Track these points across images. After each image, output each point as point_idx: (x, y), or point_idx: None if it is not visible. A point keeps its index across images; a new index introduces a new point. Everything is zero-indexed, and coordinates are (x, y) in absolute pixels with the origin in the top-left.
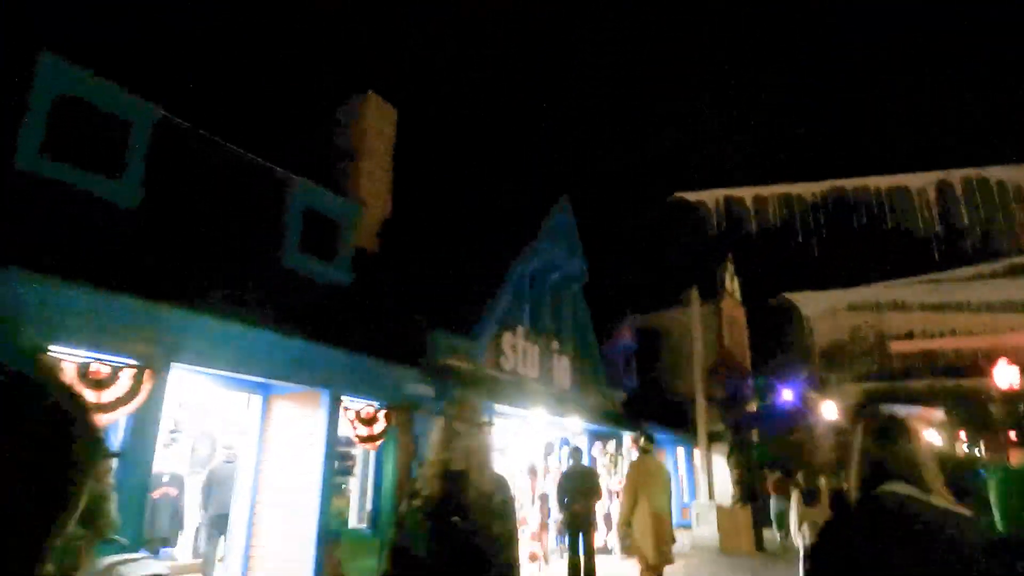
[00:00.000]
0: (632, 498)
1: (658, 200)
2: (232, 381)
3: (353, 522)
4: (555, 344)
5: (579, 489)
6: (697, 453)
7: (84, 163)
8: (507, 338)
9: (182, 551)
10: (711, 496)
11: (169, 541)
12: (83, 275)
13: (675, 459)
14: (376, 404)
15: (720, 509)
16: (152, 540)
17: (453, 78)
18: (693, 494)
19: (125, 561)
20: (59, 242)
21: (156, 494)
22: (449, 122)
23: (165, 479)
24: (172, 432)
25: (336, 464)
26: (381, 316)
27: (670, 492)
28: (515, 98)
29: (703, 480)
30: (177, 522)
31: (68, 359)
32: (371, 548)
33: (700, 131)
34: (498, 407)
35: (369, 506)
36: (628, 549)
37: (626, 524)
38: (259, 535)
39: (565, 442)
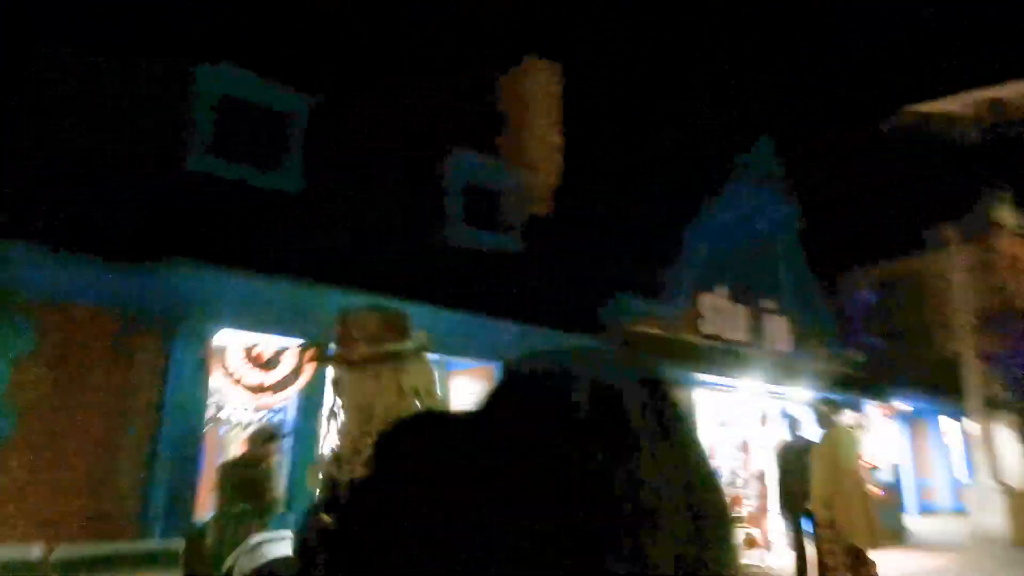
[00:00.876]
0: (831, 475)
1: (881, 121)
2: None
3: None
4: (767, 303)
5: (796, 466)
6: (969, 424)
7: (247, 158)
8: (706, 299)
9: None
10: (995, 476)
11: None
12: (247, 263)
13: (937, 430)
14: None
15: (1011, 492)
16: None
17: (622, 27)
18: (971, 473)
19: (274, 539)
20: (227, 233)
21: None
22: (620, 74)
23: None
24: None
25: None
26: (555, 284)
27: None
28: (692, 30)
29: (983, 457)
30: None
31: (234, 343)
32: None
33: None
34: (700, 377)
35: None
36: (827, 535)
37: (826, 507)
38: None
39: (786, 414)
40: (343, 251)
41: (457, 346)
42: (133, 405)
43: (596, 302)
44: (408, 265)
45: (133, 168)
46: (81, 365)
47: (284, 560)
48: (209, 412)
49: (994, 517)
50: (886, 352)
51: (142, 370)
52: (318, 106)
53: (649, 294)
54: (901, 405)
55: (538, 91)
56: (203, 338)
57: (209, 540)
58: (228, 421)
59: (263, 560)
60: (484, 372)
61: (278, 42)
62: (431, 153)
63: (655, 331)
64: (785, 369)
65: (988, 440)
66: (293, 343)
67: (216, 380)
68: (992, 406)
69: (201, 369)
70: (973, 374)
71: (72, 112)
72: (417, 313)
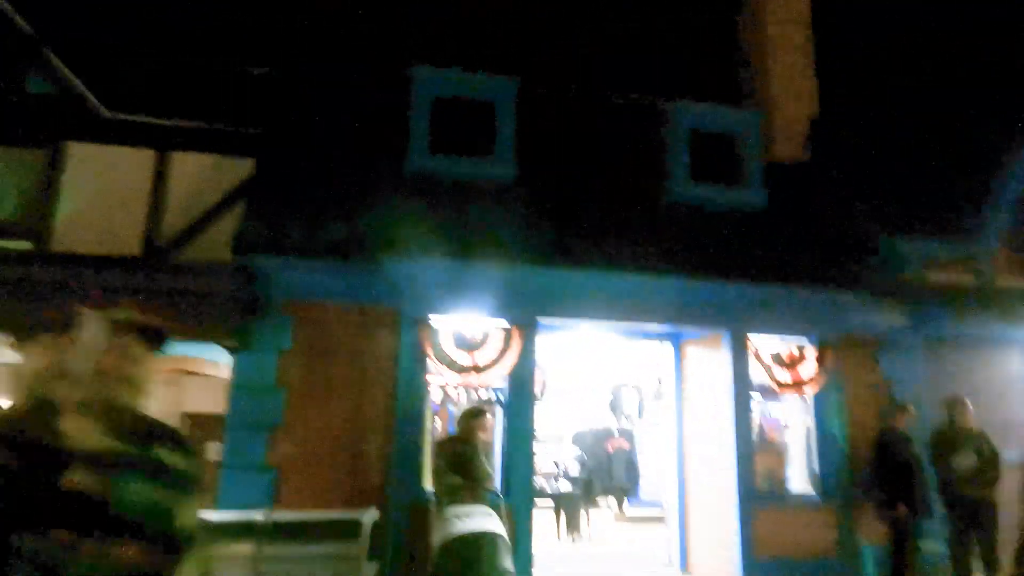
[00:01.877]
0: None
1: None
2: (633, 332)
3: (796, 487)
4: None
5: None
6: None
7: (462, 150)
8: None
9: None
10: None
11: (630, 491)
12: (453, 251)
13: None
14: (805, 341)
15: None
16: (611, 489)
17: None
18: None
19: (469, 513)
20: (439, 225)
21: (611, 447)
22: None
23: (616, 433)
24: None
25: (761, 416)
26: (807, 236)
27: None
28: None
29: None
30: (634, 473)
31: (445, 327)
32: (818, 520)
33: None
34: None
35: (817, 468)
36: None
37: None
38: (691, 494)
39: None
40: (555, 230)
41: (675, 313)
42: (375, 389)
43: (862, 250)
44: (629, 233)
45: (362, 174)
46: (331, 355)
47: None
48: (434, 393)
49: None
50: None
51: (380, 357)
52: (525, 85)
53: (942, 233)
54: None
55: (781, 19)
56: (419, 323)
57: (430, 510)
58: (451, 400)
59: (456, 533)
60: (712, 340)
61: (475, 29)
62: (642, 108)
63: (955, 278)
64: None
65: None
66: (500, 324)
67: (432, 362)
68: None
69: (418, 352)
70: None
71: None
72: (641, 282)
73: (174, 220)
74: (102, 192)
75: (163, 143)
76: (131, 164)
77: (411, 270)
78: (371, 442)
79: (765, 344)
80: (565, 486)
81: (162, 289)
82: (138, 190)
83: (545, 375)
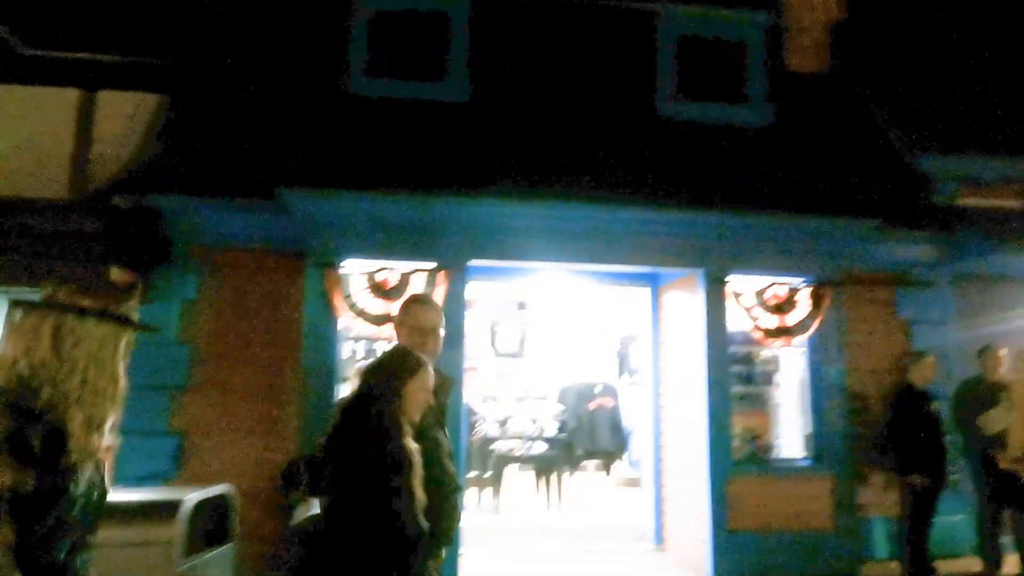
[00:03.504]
0: None
1: None
2: (603, 276)
3: (786, 450)
4: None
5: None
6: None
7: (407, 73)
8: None
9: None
10: None
11: (616, 454)
12: (370, 183)
13: None
14: (799, 280)
15: None
16: (595, 452)
17: None
18: None
19: None
20: (372, 157)
21: (592, 406)
22: None
23: (598, 390)
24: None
25: (741, 368)
26: (818, 157)
27: None
28: None
29: None
30: (619, 434)
31: (356, 272)
32: (811, 489)
33: None
34: None
35: (810, 429)
36: None
37: None
38: (666, 459)
39: None
40: (505, 157)
41: (661, 253)
42: (285, 345)
43: (880, 174)
44: (599, 158)
45: (289, 102)
46: (242, 308)
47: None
48: (347, 345)
49: None
50: None
51: (288, 308)
52: None
53: (982, 150)
54: None
55: None
56: (328, 268)
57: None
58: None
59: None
60: (687, 283)
61: None
62: (624, 13)
63: (994, 202)
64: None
65: None
66: (425, 267)
67: (343, 313)
68: None
69: (325, 301)
70: None
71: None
72: (600, 215)
73: (97, 161)
74: (22, 134)
75: (86, 81)
76: (52, 104)
77: (312, 206)
78: (285, 405)
79: (751, 286)
80: (541, 448)
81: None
82: (60, 131)
83: (525, 328)
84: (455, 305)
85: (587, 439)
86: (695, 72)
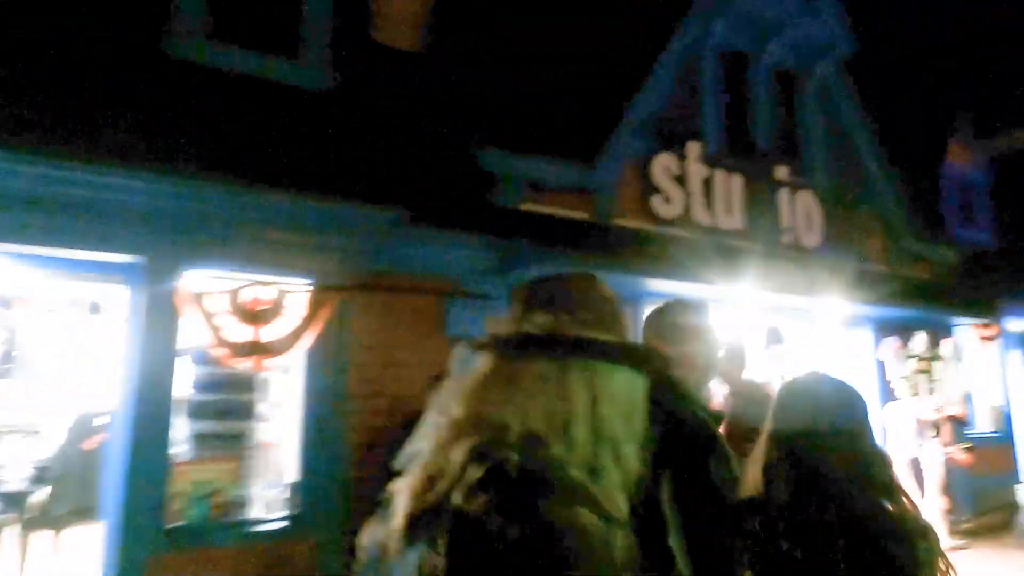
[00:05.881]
0: None
1: None
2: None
3: (262, 506)
4: (784, 171)
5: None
6: None
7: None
8: (665, 163)
9: None
10: None
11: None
12: None
13: None
14: (302, 282)
15: None
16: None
17: None
18: None
19: None
20: None
21: (90, 444)
22: None
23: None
24: None
25: (207, 397)
26: (371, 139)
27: None
28: None
29: None
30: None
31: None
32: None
33: None
34: (651, 284)
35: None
36: None
37: None
38: None
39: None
40: None
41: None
42: None
43: (439, 165)
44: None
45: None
46: None
47: None
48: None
49: None
50: (995, 250)
51: None
52: None
53: (552, 150)
54: (1016, 324)
55: None
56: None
57: None
58: None
59: None
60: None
61: None
62: None
63: (561, 211)
64: (810, 271)
65: None
66: None
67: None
68: None
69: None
70: None
71: None
72: None
73: None
74: None
75: None
76: None
77: None
78: None
79: (221, 285)
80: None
81: None
82: None
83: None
84: None
85: (76, 490)
86: (231, 12)
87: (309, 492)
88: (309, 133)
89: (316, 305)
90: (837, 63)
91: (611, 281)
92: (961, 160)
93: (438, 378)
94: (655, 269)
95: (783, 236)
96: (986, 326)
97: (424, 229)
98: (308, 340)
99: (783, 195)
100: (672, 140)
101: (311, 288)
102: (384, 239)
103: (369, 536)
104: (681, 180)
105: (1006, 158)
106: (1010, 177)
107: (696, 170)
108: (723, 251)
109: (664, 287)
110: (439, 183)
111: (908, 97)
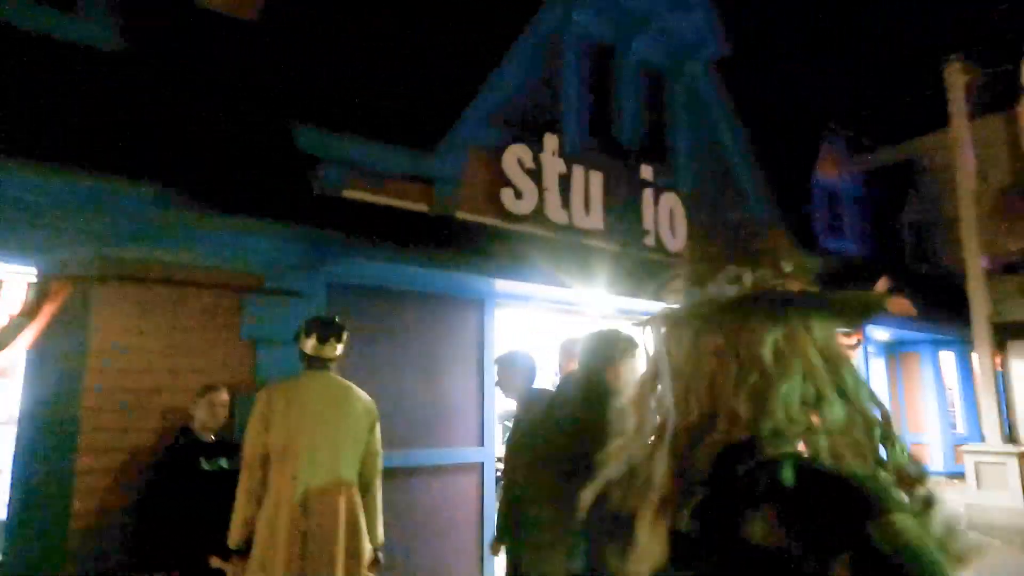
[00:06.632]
0: None
1: None
2: None
3: None
4: (649, 171)
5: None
6: (976, 359)
7: None
8: (517, 154)
9: None
10: (1011, 435)
11: None
12: None
13: (937, 368)
14: (25, 269)
15: None
16: None
17: None
18: (976, 430)
19: None
20: None
21: None
22: None
23: None
24: None
25: None
26: (163, 106)
27: None
28: None
29: (989, 406)
30: None
31: None
32: None
33: None
34: (499, 284)
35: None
36: None
37: None
38: None
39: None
40: None
41: None
42: None
43: (248, 143)
44: None
45: None
46: None
47: None
48: None
49: (1007, 496)
50: (860, 258)
51: None
52: None
53: (387, 133)
54: (879, 332)
55: None
56: None
57: None
58: None
59: None
60: None
61: None
62: None
63: (400, 203)
64: (674, 275)
65: (999, 383)
66: None
67: None
68: (1011, 335)
69: None
70: (977, 287)
71: None
72: None
73: None
74: None
75: None
76: None
77: None
78: None
79: None
80: None
81: None
82: None
83: None
84: None
85: None
86: None
87: (23, 534)
88: (81, 94)
89: (40, 297)
90: (706, 64)
91: (454, 280)
92: (831, 172)
93: (210, 388)
94: (503, 268)
95: (644, 238)
96: (848, 335)
97: (200, 212)
98: (26, 339)
99: (647, 196)
100: (528, 132)
101: (37, 276)
102: (147, 222)
103: None
104: (536, 174)
105: (874, 173)
106: (878, 191)
107: (552, 164)
108: (579, 251)
109: (513, 288)
110: (237, 161)
111: (783, 107)
